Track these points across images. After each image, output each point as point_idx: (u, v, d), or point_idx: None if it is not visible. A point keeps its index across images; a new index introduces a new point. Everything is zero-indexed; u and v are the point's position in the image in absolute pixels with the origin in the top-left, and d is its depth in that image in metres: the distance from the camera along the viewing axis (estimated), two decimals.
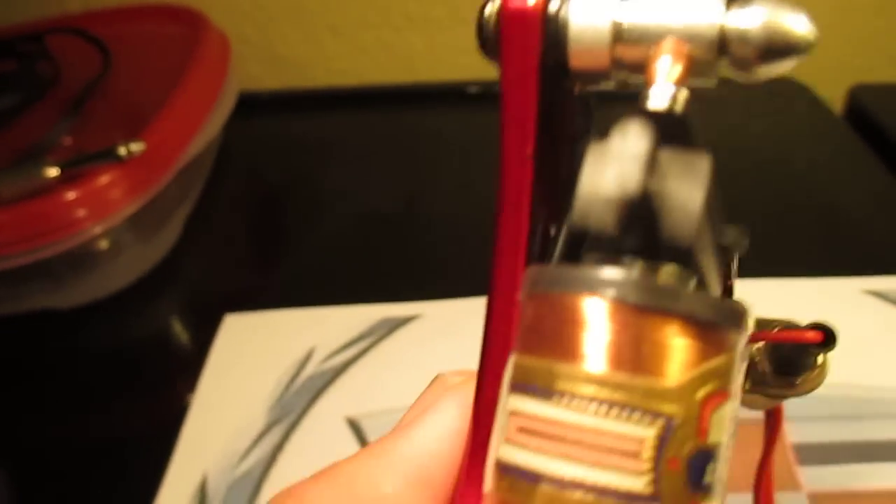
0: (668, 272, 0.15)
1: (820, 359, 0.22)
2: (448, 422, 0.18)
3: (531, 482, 0.14)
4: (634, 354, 0.14)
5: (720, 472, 0.14)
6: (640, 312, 0.14)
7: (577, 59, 0.17)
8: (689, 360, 0.14)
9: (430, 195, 0.68)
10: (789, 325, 0.21)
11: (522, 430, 0.14)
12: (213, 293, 0.60)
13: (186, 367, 0.52)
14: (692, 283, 0.15)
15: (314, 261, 0.62)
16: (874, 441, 0.43)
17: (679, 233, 0.14)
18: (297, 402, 0.48)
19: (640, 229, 0.14)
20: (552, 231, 0.18)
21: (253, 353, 0.53)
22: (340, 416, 0.47)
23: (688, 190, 0.14)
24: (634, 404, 0.13)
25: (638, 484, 0.13)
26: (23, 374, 0.55)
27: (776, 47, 0.15)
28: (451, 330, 0.52)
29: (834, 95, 0.80)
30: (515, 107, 0.17)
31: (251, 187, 0.73)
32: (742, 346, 0.15)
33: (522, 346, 0.15)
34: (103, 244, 0.56)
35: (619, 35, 0.16)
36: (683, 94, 0.15)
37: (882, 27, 0.83)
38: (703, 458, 0.14)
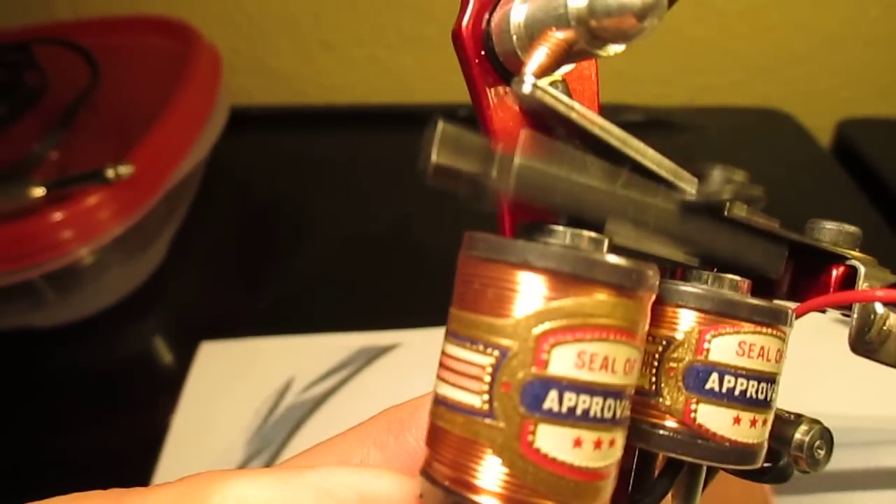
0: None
1: None
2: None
3: (439, 405, 0.17)
4: (481, 297, 0.17)
5: (579, 403, 0.16)
6: (485, 263, 0.17)
7: (506, 57, 0.20)
8: (526, 301, 0.16)
9: (418, 219, 0.68)
10: None
11: (443, 366, 0.18)
12: (197, 315, 0.60)
13: (167, 389, 0.52)
14: (554, 236, 0.17)
15: (299, 285, 0.61)
16: (846, 470, 0.44)
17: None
18: (276, 433, 0.48)
19: None
20: None
21: (230, 382, 0.52)
22: None
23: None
24: (478, 337, 0.17)
25: (477, 401, 0.16)
26: (4, 391, 0.55)
27: (611, 7, 0.17)
28: (430, 359, 0.52)
29: (822, 126, 0.80)
30: (473, 87, 0.20)
31: (238, 207, 0.73)
32: (616, 289, 0.17)
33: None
34: (87, 263, 0.55)
35: (520, 35, 0.19)
36: (547, 80, 0.18)
37: (870, 60, 0.84)
38: (540, 387, 0.16)
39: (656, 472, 0.22)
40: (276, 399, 0.50)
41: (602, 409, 0.16)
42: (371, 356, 0.53)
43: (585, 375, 0.16)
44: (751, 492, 0.43)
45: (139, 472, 0.47)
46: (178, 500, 0.17)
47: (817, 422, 0.22)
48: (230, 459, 0.47)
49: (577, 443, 0.16)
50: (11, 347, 0.56)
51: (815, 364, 0.47)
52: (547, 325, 0.16)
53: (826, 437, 0.22)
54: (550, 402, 0.16)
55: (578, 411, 0.16)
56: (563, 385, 0.16)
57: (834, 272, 0.22)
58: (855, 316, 0.22)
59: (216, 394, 0.51)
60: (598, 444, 0.16)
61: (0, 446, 0.51)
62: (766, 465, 0.22)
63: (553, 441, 0.16)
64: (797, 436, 0.22)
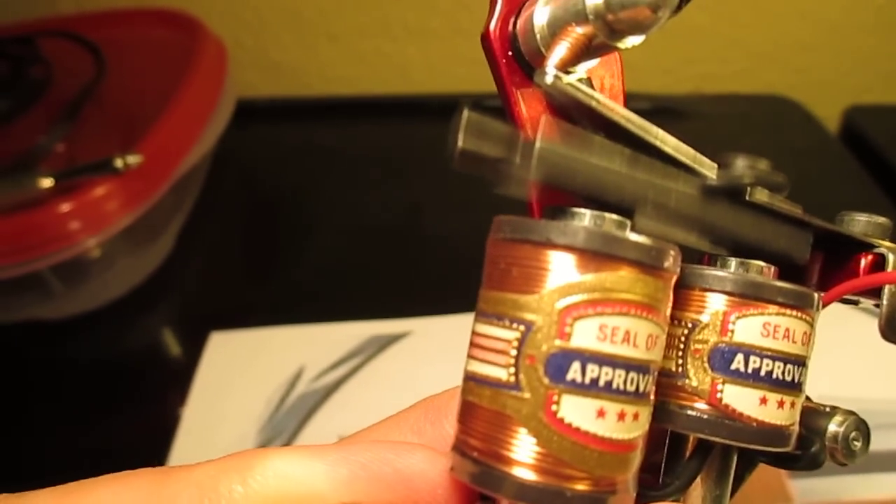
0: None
1: None
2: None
3: (468, 380, 0.18)
4: (507, 276, 0.17)
5: (602, 374, 0.17)
6: (511, 244, 0.18)
7: (531, 57, 0.21)
8: (549, 278, 0.17)
9: (424, 208, 0.68)
10: None
11: (472, 344, 0.18)
12: (206, 306, 0.60)
13: (177, 381, 0.52)
14: (569, 217, 0.18)
15: (307, 275, 0.61)
16: None
17: None
18: (288, 421, 0.48)
19: None
20: None
21: (241, 371, 0.52)
22: (334, 435, 0.47)
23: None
24: (504, 313, 0.17)
25: (503, 374, 0.17)
26: (13, 384, 0.54)
27: (626, 1, 0.18)
28: (441, 347, 0.52)
29: (829, 114, 0.80)
30: (502, 86, 0.21)
31: (245, 198, 0.73)
32: (631, 263, 0.17)
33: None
34: (96, 255, 0.55)
35: (543, 34, 0.20)
36: (572, 76, 0.19)
37: (876, 47, 0.84)
38: (563, 358, 0.17)
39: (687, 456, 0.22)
40: (288, 388, 0.50)
41: (625, 382, 0.17)
42: (382, 344, 0.53)
43: (607, 348, 0.17)
44: (766, 472, 0.43)
45: (151, 463, 0.46)
46: (221, 474, 0.18)
47: (852, 413, 0.22)
48: (242, 449, 0.46)
49: (601, 413, 0.17)
50: (20, 340, 0.56)
51: (830, 347, 0.47)
52: (569, 300, 0.17)
53: (862, 428, 0.22)
54: (573, 373, 0.17)
55: (601, 382, 0.17)
56: (586, 357, 0.17)
57: (862, 261, 0.23)
58: (885, 303, 0.22)
59: (227, 384, 0.51)
60: (621, 416, 0.17)
61: (10, 438, 0.51)
62: (797, 451, 0.22)
63: (577, 411, 0.17)
64: (832, 427, 0.22)
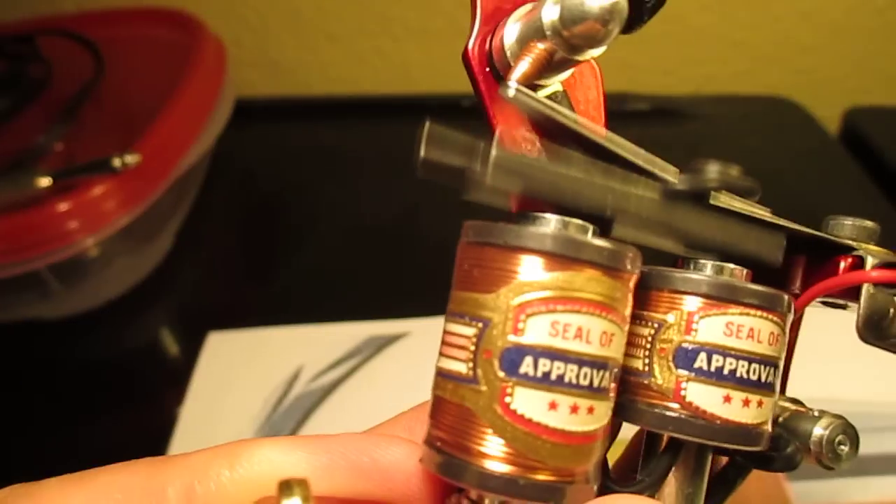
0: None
1: None
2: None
3: (437, 376, 0.19)
4: (469, 277, 0.19)
5: (554, 368, 0.18)
6: (473, 246, 0.19)
7: (504, 72, 0.22)
8: (505, 277, 0.18)
9: (423, 209, 0.68)
10: None
11: (442, 342, 0.19)
12: (204, 305, 0.60)
13: (175, 380, 0.52)
14: (531, 221, 0.19)
15: (305, 275, 0.61)
16: (860, 455, 0.44)
17: None
18: (286, 422, 0.48)
19: None
20: None
21: (239, 371, 0.52)
22: None
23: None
24: (466, 311, 0.18)
25: (463, 368, 0.18)
26: (10, 383, 0.54)
27: (575, 16, 0.19)
28: (439, 348, 0.52)
29: (830, 115, 0.80)
30: (481, 99, 0.23)
31: (244, 198, 0.73)
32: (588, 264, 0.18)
33: None
34: (94, 254, 0.55)
35: (513, 50, 0.21)
36: (545, 90, 0.21)
37: (877, 49, 0.84)
38: (516, 353, 0.18)
39: None
40: (285, 389, 0.50)
41: (577, 376, 0.18)
42: (380, 345, 0.53)
43: (559, 343, 0.18)
44: (764, 474, 0.43)
45: None
46: (211, 460, 0.20)
47: (840, 417, 0.22)
48: None
49: (553, 406, 0.18)
50: (18, 339, 0.56)
51: (825, 350, 0.47)
52: (523, 298, 0.18)
53: (850, 432, 0.22)
54: (526, 367, 0.18)
55: (553, 376, 0.18)
56: (538, 352, 0.18)
57: (842, 263, 0.23)
58: (861, 303, 0.22)
59: (224, 384, 0.51)
60: (574, 409, 0.18)
61: (7, 437, 0.51)
62: (772, 453, 0.22)
63: (529, 403, 0.18)
64: (817, 430, 0.22)
